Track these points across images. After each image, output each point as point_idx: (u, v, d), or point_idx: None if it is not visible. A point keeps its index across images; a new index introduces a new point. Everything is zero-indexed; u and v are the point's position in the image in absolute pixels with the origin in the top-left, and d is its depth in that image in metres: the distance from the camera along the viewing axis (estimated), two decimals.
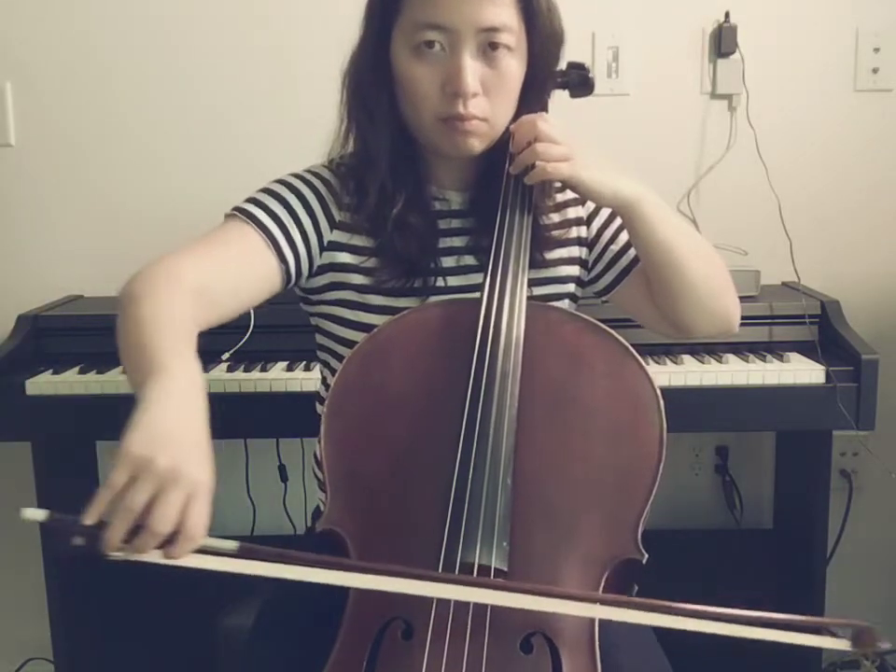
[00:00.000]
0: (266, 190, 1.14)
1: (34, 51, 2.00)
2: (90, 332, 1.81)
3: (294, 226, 1.12)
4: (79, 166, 2.03)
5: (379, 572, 0.86)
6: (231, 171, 2.01)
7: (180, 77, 2.01)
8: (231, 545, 0.82)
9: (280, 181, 1.16)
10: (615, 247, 1.25)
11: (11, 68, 2.00)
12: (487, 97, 1.07)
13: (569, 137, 1.09)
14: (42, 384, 1.68)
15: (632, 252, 1.22)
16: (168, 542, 0.78)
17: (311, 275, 1.16)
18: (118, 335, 0.95)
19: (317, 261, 1.15)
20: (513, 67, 1.08)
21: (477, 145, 1.10)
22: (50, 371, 1.73)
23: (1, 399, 1.67)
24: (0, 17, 1.98)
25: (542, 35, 1.09)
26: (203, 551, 0.80)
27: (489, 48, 1.05)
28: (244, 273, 1.08)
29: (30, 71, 2.00)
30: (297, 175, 1.17)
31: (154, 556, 0.78)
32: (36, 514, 0.80)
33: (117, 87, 2.01)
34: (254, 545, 0.83)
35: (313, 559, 0.85)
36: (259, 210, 1.11)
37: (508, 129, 1.13)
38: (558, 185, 1.17)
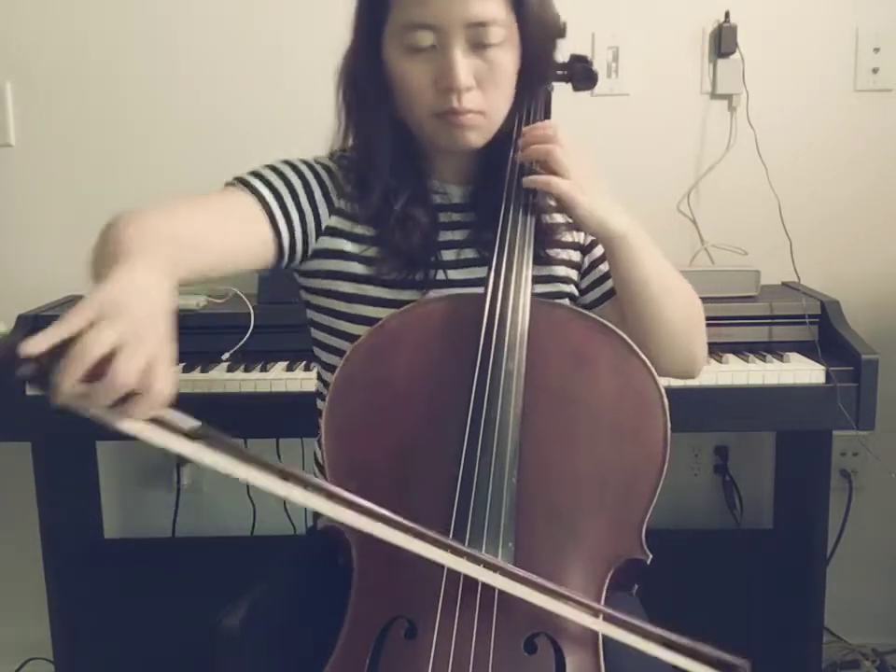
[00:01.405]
0: (268, 166, 1.14)
1: (34, 51, 2.00)
2: None
3: (291, 201, 1.11)
4: (80, 166, 2.03)
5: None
6: (231, 171, 2.01)
7: (180, 77, 2.01)
8: (192, 424, 0.77)
9: (284, 160, 1.16)
10: (603, 267, 1.24)
11: (11, 68, 2.00)
12: (481, 90, 1.07)
13: (580, 158, 1.08)
14: None
15: None
16: (127, 401, 0.72)
17: (307, 257, 1.15)
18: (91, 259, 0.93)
19: (313, 244, 1.14)
20: (505, 59, 1.08)
21: (475, 138, 1.10)
22: None
23: (1, 399, 1.67)
24: (0, 17, 1.98)
25: (533, 24, 1.09)
26: (161, 424, 0.76)
27: (480, 42, 1.05)
28: (236, 231, 1.07)
29: (30, 71, 2.00)
30: (301, 160, 1.17)
31: (108, 415, 0.73)
32: None
33: (116, 87, 2.01)
34: (218, 433, 0.79)
35: (271, 466, 0.82)
36: (258, 181, 1.11)
37: (513, 125, 1.13)
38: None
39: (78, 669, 1.92)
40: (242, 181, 1.11)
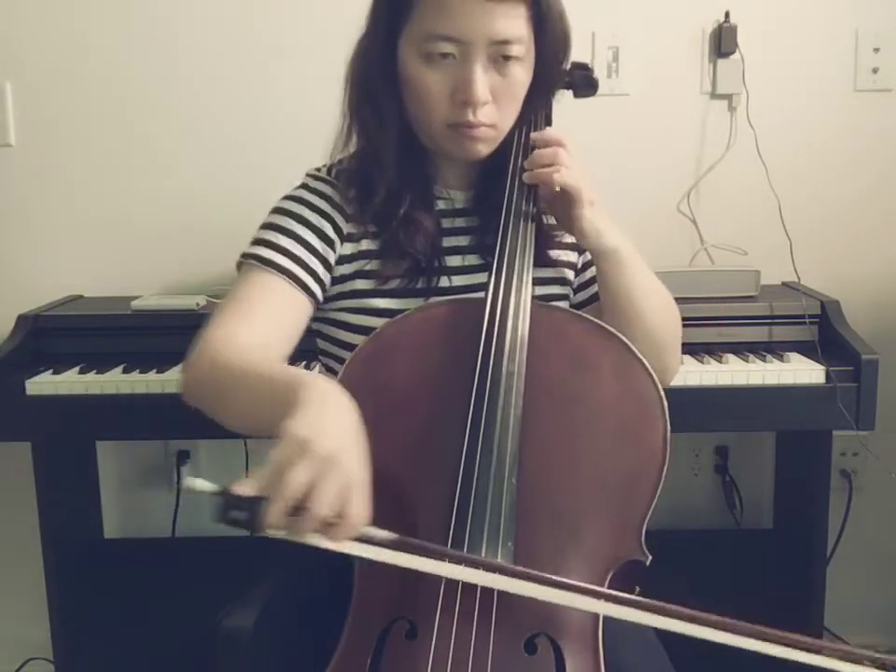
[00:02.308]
0: (273, 227, 1.13)
1: (34, 51, 2.00)
2: (90, 332, 1.81)
3: (313, 258, 1.12)
4: (79, 166, 2.03)
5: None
6: (231, 171, 2.02)
7: (180, 78, 2.00)
8: (388, 535, 0.84)
9: (282, 211, 1.14)
10: (589, 273, 1.26)
11: (11, 68, 2.00)
12: (496, 104, 1.08)
13: (583, 174, 1.09)
14: (42, 384, 1.68)
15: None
16: (328, 526, 0.79)
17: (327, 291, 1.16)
18: (228, 411, 0.98)
19: (333, 275, 1.15)
20: (522, 75, 1.09)
21: (484, 150, 1.11)
22: (50, 371, 1.72)
23: (1, 399, 1.67)
24: (0, 17, 1.98)
25: (551, 42, 1.10)
26: (360, 539, 0.82)
27: (501, 57, 1.05)
28: (286, 324, 1.09)
29: (30, 71, 2.00)
30: (296, 199, 1.15)
31: (313, 539, 0.80)
32: (203, 486, 0.78)
33: (117, 87, 2.01)
34: (409, 538, 0.85)
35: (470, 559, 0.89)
36: (277, 254, 1.10)
37: (513, 128, 1.13)
38: (557, 188, 1.17)
39: (78, 669, 1.92)
40: (261, 259, 1.10)
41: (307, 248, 1.12)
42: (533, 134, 1.14)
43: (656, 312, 1.17)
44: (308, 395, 0.84)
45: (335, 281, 1.15)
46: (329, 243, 1.13)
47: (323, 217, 1.14)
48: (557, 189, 1.09)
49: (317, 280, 1.12)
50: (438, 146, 1.13)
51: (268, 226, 1.13)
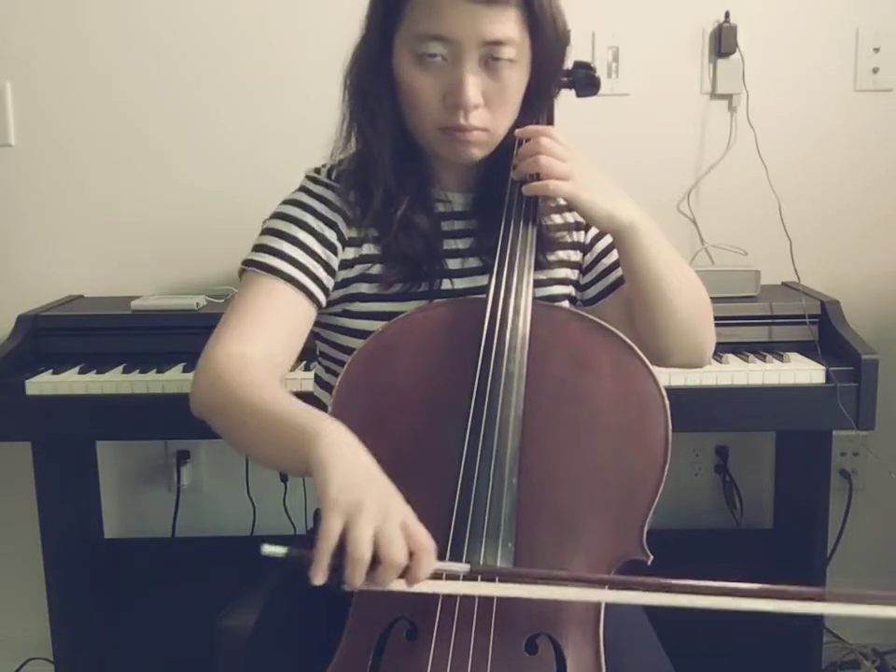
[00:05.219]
0: (274, 232, 1.12)
1: (34, 51, 2.00)
2: (90, 332, 1.81)
3: (315, 262, 1.11)
4: (80, 166, 2.03)
5: None
6: (231, 171, 2.02)
7: (180, 77, 2.01)
8: (463, 567, 0.86)
9: (283, 216, 1.13)
10: (607, 261, 1.25)
11: (11, 68, 2.00)
12: (488, 108, 1.07)
13: (573, 153, 1.08)
14: (42, 384, 1.68)
15: (620, 270, 1.22)
16: (405, 569, 0.80)
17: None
18: (237, 440, 0.99)
19: (336, 280, 1.15)
20: (515, 78, 1.07)
21: (477, 153, 1.10)
22: (50, 371, 1.73)
23: (1, 399, 1.67)
24: (0, 17, 1.98)
25: (547, 44, 1.08)
26: (438, 576, 0.84)
27: (491, 59, 1.04)
28: (290, 331, 1.09)
29: (30, 71, 2.00)
30: (297, 204, 1.14)
31: (397, 585, 0.81)
32: (276, 551, 0.81)
33: (117, 87, 2.01)
34: (482, 566, 0.88)
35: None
36: (279, 260, 1.09)
37: (512, 132, 1.13)
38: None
39: (78, 669, 1.92)
40: (264, 267, 1.09)
41: (310, 254, 1.11)
42: (517, 131, 1.12)
43: (682, 286, 1.16)
44: (321, 452, 0.84)
45: (338, 285, 1.15)
46: (332, 248, 1.13)
47: (325, 222, 1.13)
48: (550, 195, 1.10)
49: (320, 286, 1.12)
50: (431, 149, 1.13)
51: (269, 231, 1.13)
